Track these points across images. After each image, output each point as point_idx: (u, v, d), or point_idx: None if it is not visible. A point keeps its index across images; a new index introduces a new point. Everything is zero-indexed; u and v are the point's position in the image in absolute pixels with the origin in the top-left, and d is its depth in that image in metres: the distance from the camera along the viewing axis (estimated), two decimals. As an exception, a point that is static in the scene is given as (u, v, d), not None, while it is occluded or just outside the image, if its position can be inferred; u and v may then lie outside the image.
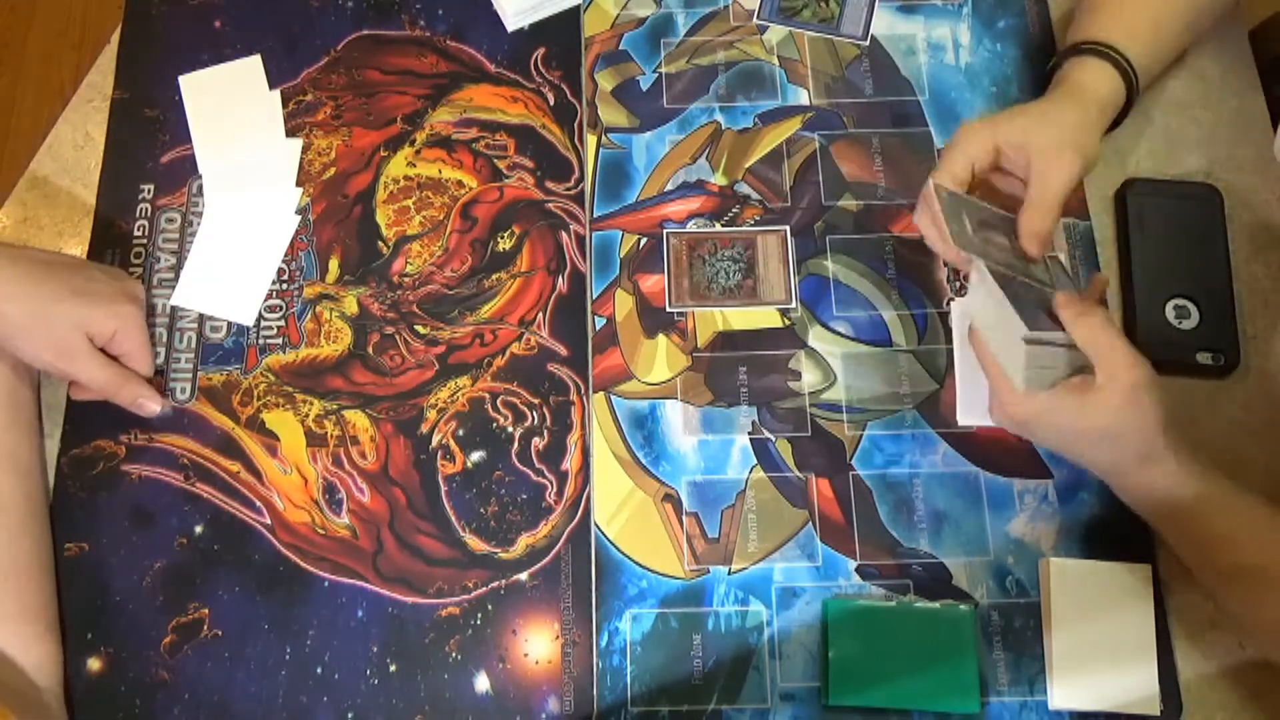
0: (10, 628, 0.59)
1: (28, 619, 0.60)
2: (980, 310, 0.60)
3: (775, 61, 0.77)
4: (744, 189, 0.72)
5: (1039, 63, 0.75)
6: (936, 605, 0.61)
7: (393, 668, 0.62)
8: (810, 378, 0.68)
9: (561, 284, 0.71)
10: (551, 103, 0.75)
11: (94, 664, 0.62)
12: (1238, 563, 0.55)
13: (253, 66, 0.77)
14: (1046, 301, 0.59)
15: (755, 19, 0.78)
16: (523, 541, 0.64)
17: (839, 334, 0.69)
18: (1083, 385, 0.56)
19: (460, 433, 0.67)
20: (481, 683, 0.62)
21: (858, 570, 0.63)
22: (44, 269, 0.63)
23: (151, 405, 0.66)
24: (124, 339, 0.65)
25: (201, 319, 0.70)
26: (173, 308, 0.70)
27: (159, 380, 0.68)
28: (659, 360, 0.68)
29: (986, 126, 0.62)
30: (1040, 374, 0.57)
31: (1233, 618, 0.60)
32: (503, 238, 0.72)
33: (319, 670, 0.62)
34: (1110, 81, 0.64)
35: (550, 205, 0.73)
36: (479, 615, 0.63)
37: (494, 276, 0.71)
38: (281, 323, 0.70)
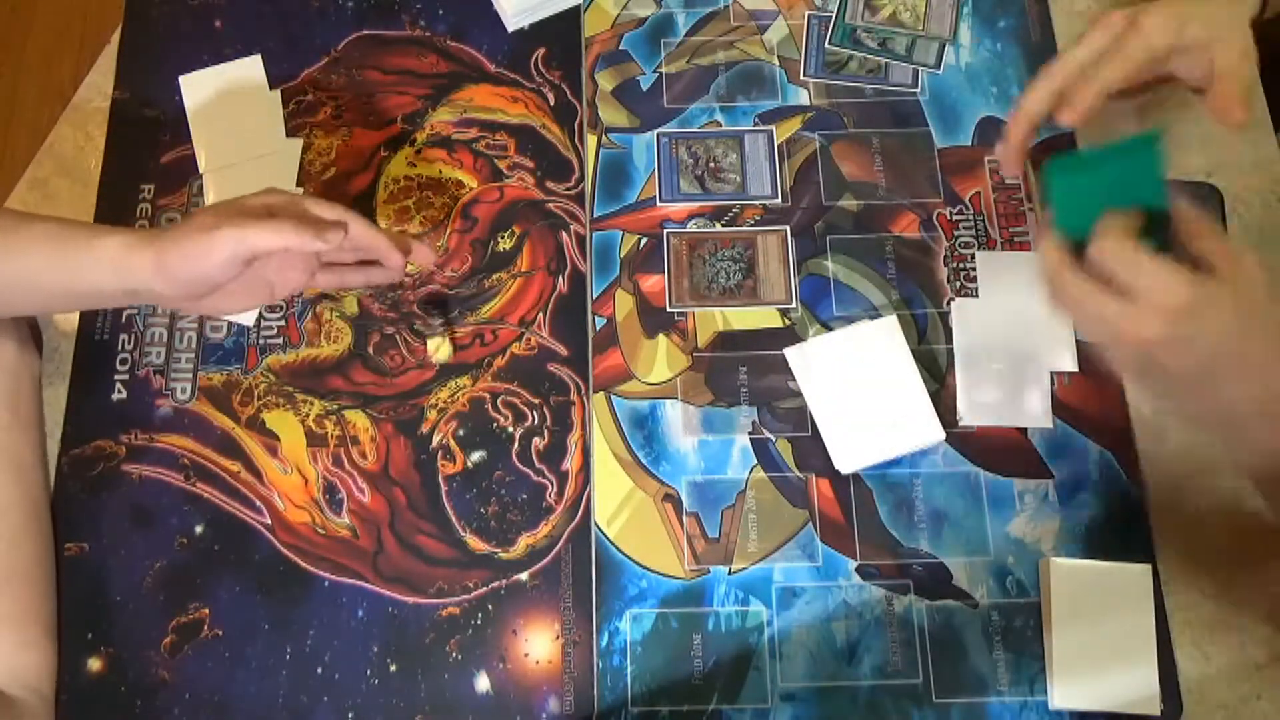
0: (5, 631, 0.59)
1: (25, 623, 0.60)
2: None
3: (775, 61, 0.77)
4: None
5: (1039, 63, 0.75)
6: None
7: (393, 668, 0.62)
8: (810, 378, 0.68)
9: (562, 284, 0.71)
10: (552, 103, 0.75)
11: (94, 664, 0.62)
12: None
13: (253, 66, 0.77)
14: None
15: (802, 75, 0.75)
16: (523, 541, 0.64)
17: (839, 334, 0.69)
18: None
19: (460, 433, 0.67)
20: (482, 683, 0.62)
21: (858, 570, 0.63)
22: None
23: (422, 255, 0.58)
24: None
25: (202, 319, 0.70)
26: (173, 308, 0.70)
27: (160, 379, 0.68)
28: (659, 360, 0.68)
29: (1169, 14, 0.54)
30: None
31: None
32: (503, 238, 0.72)
33: (319, 670, 0.62)
34: None
35: (550, 205, 0.73)
36: (479, 615, 0.63)
37: (494, 276, 0.71)
38: (282, 323, 0.70)
